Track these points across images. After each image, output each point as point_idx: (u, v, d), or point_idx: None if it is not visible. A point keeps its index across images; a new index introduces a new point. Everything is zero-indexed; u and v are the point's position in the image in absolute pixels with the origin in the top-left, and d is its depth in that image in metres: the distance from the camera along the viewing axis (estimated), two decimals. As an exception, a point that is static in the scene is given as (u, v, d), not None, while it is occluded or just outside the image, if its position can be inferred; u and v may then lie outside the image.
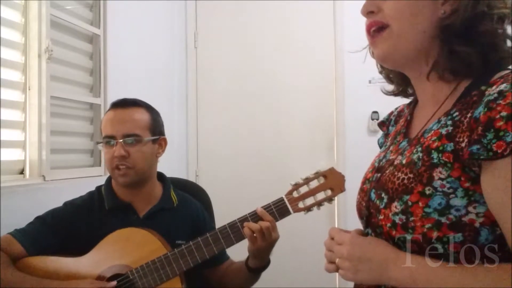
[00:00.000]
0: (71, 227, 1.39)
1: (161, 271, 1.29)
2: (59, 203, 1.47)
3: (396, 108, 1.01)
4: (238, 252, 1.42)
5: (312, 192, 1.27)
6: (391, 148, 0.87)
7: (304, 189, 1.28)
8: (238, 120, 2.95)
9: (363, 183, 0.89)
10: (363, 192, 0.87)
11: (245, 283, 1.43)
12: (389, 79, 0.93)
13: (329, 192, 1.27)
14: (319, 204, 1.27)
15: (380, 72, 0.92)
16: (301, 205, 1.27)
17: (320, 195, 1.27)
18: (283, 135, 2.89)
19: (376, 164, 0.87)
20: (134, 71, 2.39)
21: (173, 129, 2.81)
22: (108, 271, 1.31)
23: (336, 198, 1.28)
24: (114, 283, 1.27)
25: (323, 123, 2.84)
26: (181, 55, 2.98)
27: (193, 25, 3.01)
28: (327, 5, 2.84)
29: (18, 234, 1.36)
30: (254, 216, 1.28)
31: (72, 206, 1.44)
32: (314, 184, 1.27)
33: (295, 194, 1.27)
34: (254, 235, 1.26)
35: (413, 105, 0.91)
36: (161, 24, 2.76)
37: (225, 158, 2.96)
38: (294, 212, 1.27)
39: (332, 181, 1.26)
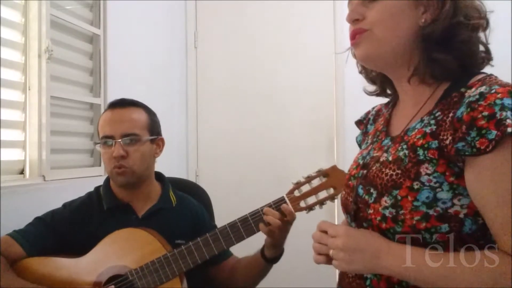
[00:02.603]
0: (71, 228, 1.39)
1: (160, 272, 1.28)
2: (59, 203, 1.46)
3: (373, 108, 1.06)
4: (240, 250, 1.41)
5: (314, 191, 1.25)
6: (373, 145, 0.92)
7: (305, 188, 1.26)
8: (238, 120, 2.95)
9: (348, 179, 0.93)
10: (349, 188, 0.91)
11: (260, 275, 1.41)
12: (370, 80, 0.98)
13: (331, 191, 1.25)
14: (321, 203, 1.25)
15: (360, 72, 0.99)
16: (302, 204, 1.25)
17: (322, 194, 1.25)
18: (283, 135, 2.88)
19: (360, 161, 0.92)
20: (134, 71, 2.39)
21: (173, 129, 2.80)
22: (107, 272, 1.31)
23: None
24: None
25: (323, 123, 2.84)
26: (181, 55, 2.98)
27: (193, 25, 3.01)
28: (327, 5, 2.83)
29: (17, 235, 1.35)
30: (255, 216, 1.27)
31: (71, 207, 1.44)
32: (316, 182, 1.25)
33: (296, 193, 1.26)
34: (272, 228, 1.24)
35: (391, 104, 0.97)
36: (161, 24, 2.75)
37: (225, 158, 2.95)
38: (296, 211, 1.25)
39: (334, 180, 1.25)
